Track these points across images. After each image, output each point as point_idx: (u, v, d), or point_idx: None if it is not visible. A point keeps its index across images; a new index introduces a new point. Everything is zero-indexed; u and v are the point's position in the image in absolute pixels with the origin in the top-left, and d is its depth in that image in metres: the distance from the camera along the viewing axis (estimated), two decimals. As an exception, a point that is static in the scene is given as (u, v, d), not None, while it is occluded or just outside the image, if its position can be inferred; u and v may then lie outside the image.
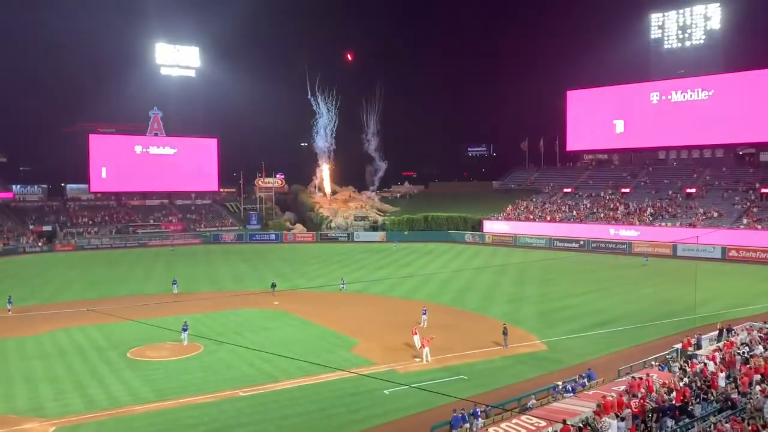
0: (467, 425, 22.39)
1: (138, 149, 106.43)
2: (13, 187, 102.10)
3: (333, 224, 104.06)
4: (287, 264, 73.30)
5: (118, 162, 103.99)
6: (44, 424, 24.48)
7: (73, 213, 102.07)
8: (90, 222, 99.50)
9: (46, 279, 63.47)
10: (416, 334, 35.07)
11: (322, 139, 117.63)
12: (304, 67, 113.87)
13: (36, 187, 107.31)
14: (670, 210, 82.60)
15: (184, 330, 35.72)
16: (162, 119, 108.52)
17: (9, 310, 45.49)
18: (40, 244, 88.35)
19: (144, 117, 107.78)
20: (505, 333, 35.32)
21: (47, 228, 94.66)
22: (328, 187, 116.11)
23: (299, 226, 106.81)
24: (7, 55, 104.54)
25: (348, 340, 37.35)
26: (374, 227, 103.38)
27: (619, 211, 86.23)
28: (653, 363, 28.65)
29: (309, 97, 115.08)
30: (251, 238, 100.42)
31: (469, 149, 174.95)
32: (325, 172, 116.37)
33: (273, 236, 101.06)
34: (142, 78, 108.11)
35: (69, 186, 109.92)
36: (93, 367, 32.07)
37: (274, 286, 51.68)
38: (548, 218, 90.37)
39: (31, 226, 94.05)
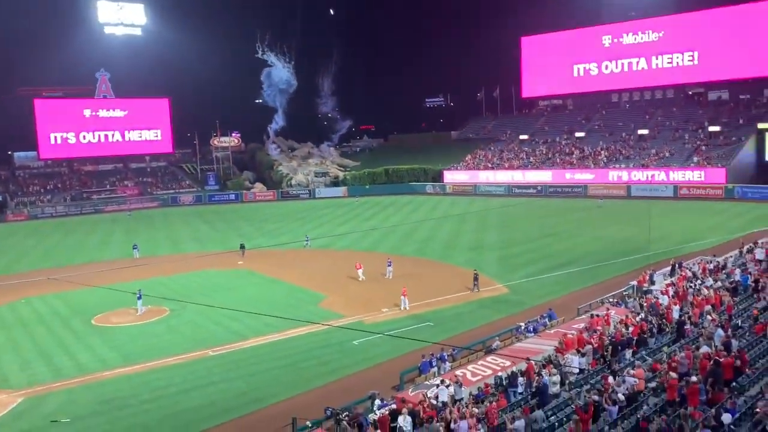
0: (435, 369, 23.06)
1: (87, 113, 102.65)
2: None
3: (293, 182, 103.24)
4: (249, 223, 72.73)
5: (67, 127, 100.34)
6: (11, 395, 24.28)
7: (23, 182, 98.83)
8: (42, 190, 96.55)
9: (-1, 250, 61.81)
10: (360, 268, 40.34)
11: (277, 97, 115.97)
12: (254, 28, 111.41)
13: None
14: (623, 152, 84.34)
15: (139, 298, 34.79)
16: (110, 81, 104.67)
17: (-36, 284, 44.33)
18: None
19: (91, 79, 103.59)
20: (476, 278, 36.26)
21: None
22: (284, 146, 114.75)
23: (259, 185, 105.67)
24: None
25: (315, 295, 37.65)
26: (335, 183, 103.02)
27: (574, 156, 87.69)
28: (610, 300, 29.76)
29: (260, 55, 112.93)
30: (210, 199, 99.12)
31: (427, 100, 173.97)
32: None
33: (232, 196, 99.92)
34: (85, 38, 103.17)
35: (17, 154, 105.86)
36: (57, 336, 31.71)
37: (242, 247, 51.25)
38: (506, 165, 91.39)
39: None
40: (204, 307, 32.54)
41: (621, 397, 16.48)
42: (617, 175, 79.13)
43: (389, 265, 40.91)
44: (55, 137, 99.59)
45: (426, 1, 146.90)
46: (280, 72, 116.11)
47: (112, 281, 40.87)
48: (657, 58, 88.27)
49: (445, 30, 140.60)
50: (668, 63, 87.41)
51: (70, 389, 24.84)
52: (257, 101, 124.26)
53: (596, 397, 16.46)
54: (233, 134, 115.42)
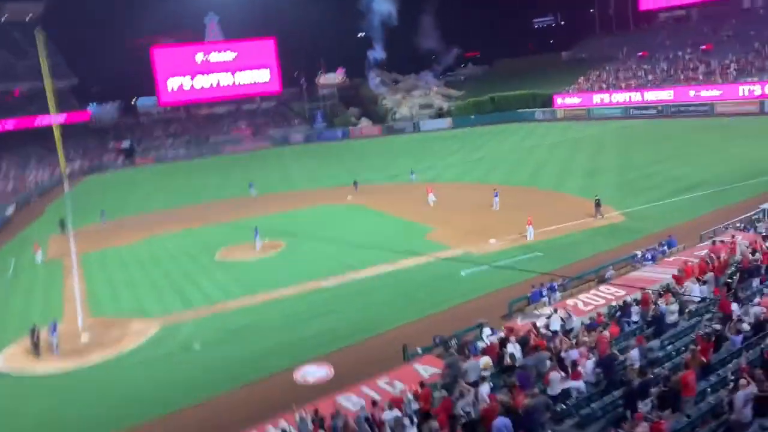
0: (545, 299, 22.76)
1: (199, 58, 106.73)
2: (89, 105, 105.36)
3: (398, 115, 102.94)
4: (356, 159, 73.85)
5: (183, 72, 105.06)
6: (150, 324, 26.64)
7: (147, 128, 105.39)
8: (164, 135, 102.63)
9: (131, 192, 66.81)
10: (431, 192, 43.80)
11: (378, 29, 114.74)
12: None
13: (109, 105, 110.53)
14: (756, 64, 76.52)
15: (256, 234, 36.27)
16: (218, 24, 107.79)
17: (103, 224, 48.60)
18: (119, 160, 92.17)
19: (199, 25, 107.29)
20: (598, 205, 34.98)
21: (125, 145, 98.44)
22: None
23: (364, 121, 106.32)
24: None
25: (422, 227, 37.92)
26: (440, 114, 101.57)
27: (699, 71, 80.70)
28: (737, 225, 27.76)
29: None
30: (319, 137, 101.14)
31: (535, 20, 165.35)
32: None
33: (339, 133, 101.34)
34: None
35: (140, 101, 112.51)
36: (186, 270, 34.19)
37: (355, 183, 52.24)
38: (623, 86, 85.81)
39: (111, 144, 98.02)
40: (317, 241, 33.76)
41: (746, 326, 15.52)
42: (748, 89, 72.03)
43: (496, 196, 40.26)
44: (172, 83, 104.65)
45: None
46: (380, 2, 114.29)
47: (231, 218, 43.26)
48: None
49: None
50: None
51: (200, 318, 26.86)
52: (360, 35, 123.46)
53: (718, 327, 15.60)
54: (338, 71, 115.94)
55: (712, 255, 22.40)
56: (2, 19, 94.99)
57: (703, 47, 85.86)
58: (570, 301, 21.59)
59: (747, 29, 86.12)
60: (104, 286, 32.85)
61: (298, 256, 34.54)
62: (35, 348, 24.04)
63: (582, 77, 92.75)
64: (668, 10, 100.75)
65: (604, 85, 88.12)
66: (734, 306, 16.75)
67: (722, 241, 24.07)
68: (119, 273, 34.95)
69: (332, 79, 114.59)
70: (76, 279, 33.02)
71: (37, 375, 23.05)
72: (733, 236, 24.80)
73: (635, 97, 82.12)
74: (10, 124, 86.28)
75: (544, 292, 23.04)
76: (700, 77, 79.16)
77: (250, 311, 27.14)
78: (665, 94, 79.21)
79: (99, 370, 22.94)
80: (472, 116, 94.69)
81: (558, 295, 22.93)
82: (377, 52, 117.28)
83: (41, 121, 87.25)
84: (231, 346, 23.77)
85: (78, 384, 22.26)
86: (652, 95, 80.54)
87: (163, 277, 33.37)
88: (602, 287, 22.70)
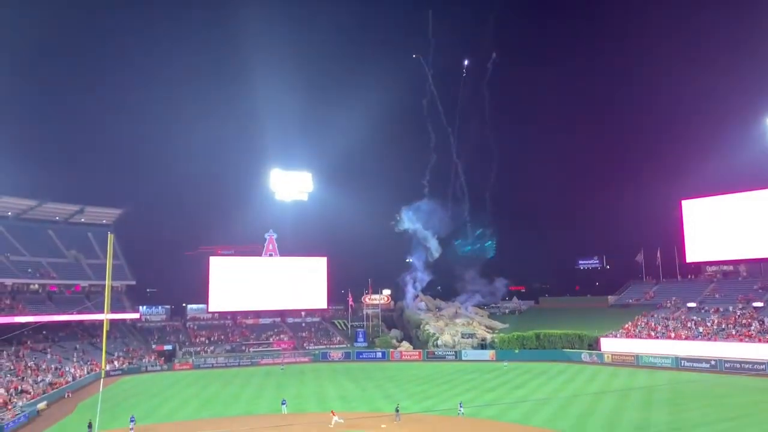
0: None
1: (253, 269, 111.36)
2: (140, 308, 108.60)
3: (440, 342, 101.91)
4: (394, 384, 71.71)
5: (235, 282, 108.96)
6: None
7: (192, 332, 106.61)
8: (207, 341, 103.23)
9: (164, 398, 65.45)
10: (334, 415, 45.76)
11: (423, 257, 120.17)
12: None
13: (160, 308, 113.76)
14: (813, 326, 74.55)
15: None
16: (276, 240, 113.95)
17: (131, 429, 47.04)
18: (159, 363, 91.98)
19: (260, 239, 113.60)
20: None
21: (168, 347, 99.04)
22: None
23: (405, 344, 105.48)
24: (138, 188, 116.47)
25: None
26: (483, 345, 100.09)
27: (752, 328, 78.76)
28: None
29: (406, 228, 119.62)
30: (358, 356, 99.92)
31: (581, 262, 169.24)
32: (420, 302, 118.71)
33: (380, 354, 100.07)
34: (259, 203, 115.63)
35: (189, 306, 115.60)
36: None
37: (397, 411, 50.35)
38: (673, 335, 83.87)
39: (153, 346, 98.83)
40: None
41: None
42: (808, 351, 69.42)
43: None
44: (223, 292, 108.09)
45: (579, 164, 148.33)
46: (427, 234, 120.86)
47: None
48: None
49: (601, 191, 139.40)
50: None
51: None
52: (408, 260, 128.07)
53: None
54: (384, 292, 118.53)
55: None
56: (82, 219, 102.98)
57: (755, 304, 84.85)
58: None
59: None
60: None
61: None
62: None
63: (630, 322, 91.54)
64: (715, 264, 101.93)
65: (653, 333, 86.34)
66: None
67: None
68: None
69: (377, 299, 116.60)
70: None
71: None
72: None
73: (686, 348, 79.62)
74: (63, 318, 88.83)
75: None
76: (754, 334, 77.07)
77: None
78: (718, 348, 76.63)
79: None
80: (516, 350, 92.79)
81: None
82: (423, 277, 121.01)
83: (93, 317, 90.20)
84: None
85: None
86: (704, 348, 78.02)
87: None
88: None
